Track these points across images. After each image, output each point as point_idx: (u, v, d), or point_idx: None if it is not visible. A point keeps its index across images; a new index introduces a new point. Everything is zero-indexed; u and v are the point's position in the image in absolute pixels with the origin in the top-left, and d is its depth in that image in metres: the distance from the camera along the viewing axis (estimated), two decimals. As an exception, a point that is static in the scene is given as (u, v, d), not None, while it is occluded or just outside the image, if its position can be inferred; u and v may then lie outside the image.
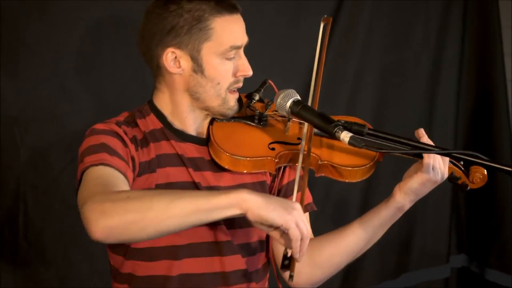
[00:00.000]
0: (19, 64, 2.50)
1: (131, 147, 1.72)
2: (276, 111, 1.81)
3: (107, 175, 1.62)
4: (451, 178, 1.79)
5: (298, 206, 1.53)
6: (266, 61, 2.85)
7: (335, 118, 1.73)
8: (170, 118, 1.80)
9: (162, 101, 1.81)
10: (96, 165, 1.63)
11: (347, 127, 1.68)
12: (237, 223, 1.78)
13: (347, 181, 1.79)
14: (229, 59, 1.76)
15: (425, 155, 1.71)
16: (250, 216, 1.50)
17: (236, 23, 1.76)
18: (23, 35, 2.49)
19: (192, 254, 1.74)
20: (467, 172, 1.80)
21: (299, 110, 1.72)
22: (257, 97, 1.87)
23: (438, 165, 1.72)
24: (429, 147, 1.72)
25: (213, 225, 1.75)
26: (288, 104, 1.74)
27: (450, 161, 1.77)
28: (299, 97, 1.76)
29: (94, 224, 1.47)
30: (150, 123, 1.80)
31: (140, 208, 1.47)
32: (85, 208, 1.49)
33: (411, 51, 3.31)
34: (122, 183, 1.62)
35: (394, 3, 3.23)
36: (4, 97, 2.47)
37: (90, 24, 2.57)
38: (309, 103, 1.80)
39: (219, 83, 1.76)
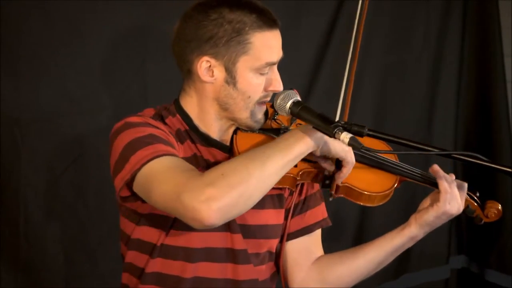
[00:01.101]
0: (19, 65, 2.50)
1: (173, 139, 1.72)
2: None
3: (178, 162, 1.62)
4: (466, 211, 1.82)
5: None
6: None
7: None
8: (196, 121, 1.79)
9: (189, 104, 1.79)
10: (158, 156, 1.60)
11: (346, 128, 1.68)
12: (251, 233, 1.79)
13: (362, 204, 1.80)
14: (262, 74, 1.74)
15: (442, 190, 1.76)
16: (317, 152, 1.68)
17: (274, 39, 1.75)
18: (23, 35, 2.48)
19: (207, 258, 1.75)
20: (482, 206, 1.82)
21: (299, 111, 1.72)
22: None
23: (455, 199, 1.77)
24: (428, 148, 1.72)
25: (230, 233, 1.76)
26: (288, 105, 1.73)
27: (468, 194, 1.82)
28: (299, 98, 1.76)
29: (205, 210, 1.49)
30: (177, 123, 1.78)
31: (241, 180, 1.53)
32: (185, 199, 1.50)
33: (411, 51, 3.31)
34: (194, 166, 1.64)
35: (394, 3, 3.22)
36: (4, 97, 2.47)
37: (90, 25, 2.57)
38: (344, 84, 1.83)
39: (249, 97, 1.74)
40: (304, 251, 1.89)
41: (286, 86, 1.81)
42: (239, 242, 1.76)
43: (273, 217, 1.83)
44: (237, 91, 1.74)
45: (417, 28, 3.31)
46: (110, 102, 2.60)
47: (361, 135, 1.71)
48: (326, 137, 1.66)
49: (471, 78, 3.46)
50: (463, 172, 3.40)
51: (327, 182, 1.75)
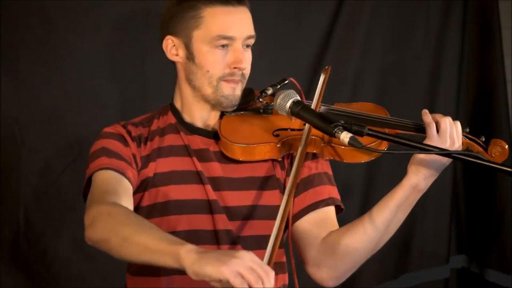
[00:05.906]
0: (19, 64, 2.51)
1: (133, 145, 1.82)
2: None
3: (108, 179, 1.74)
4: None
5: (242, 253, 1.41)
6: (266, 61, 2.86)
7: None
8: (182, 113, 1.88)
9: (176, 97, 1.90)
10: (98, 170, 1.75)
11: (346, 127, 1.69)
12: (235, 215, 1.80)
13: (350, 161, 1.81)
14: (219, 48, 1.80)
15: (425, 118, 1.76)
16: (189, 274, 1.44)
17: (228, 15, 1.80)
18: (23, 35, 2.49)
19: (192, 240, 1.70)
20: (486, 147, 1.78)
21: (299, 110, 1.73)
22: (270, 91, 1.88)
23: (446, 130, 1.73)
24: (428, 148, 1.72)
25: (214, 214, 1.78)
26: (288, 104, 1.75)
27: (467, 137, 1.78)
28: (299, 98, 1.77)
29: (85, 231, 1.64)
30: (167, 119, 1.88)
31: (111, 230, 1.58)
32: (86, 213, 1.65)
33: (411, 51, 3.31)
34: (121, 187, 1.73)
35: (394, 3, 3.23)
36: (4, 97, 2.47)
37: (90, 25, 2.58)
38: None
39: (208, 71, 1.81)
40: (313, 228, 1.82)
41: (285, 86, 1.82)
42: (222, 222, 1.78)
43: (262, 198, 1.82)
44: (196, 66, 1.82)
45: (417, 28, 3.31)
46: (110, 101, 2.61)
47: (361, 135, 1.71)
48: (196, 258, 1.43)
49: (471, 78, 3.45)
50: (463, 172, 3.40)
51: None
